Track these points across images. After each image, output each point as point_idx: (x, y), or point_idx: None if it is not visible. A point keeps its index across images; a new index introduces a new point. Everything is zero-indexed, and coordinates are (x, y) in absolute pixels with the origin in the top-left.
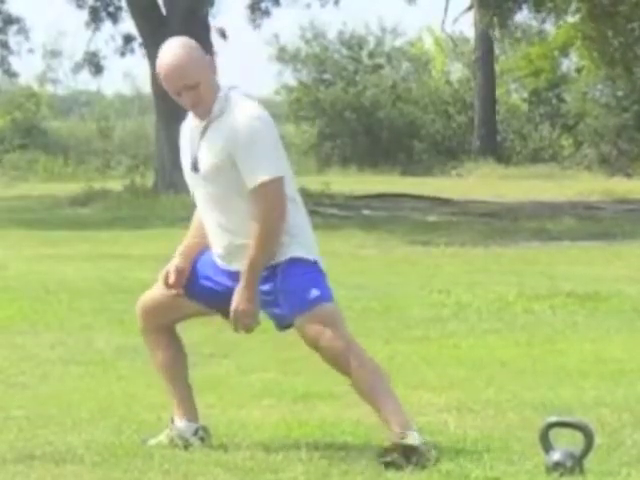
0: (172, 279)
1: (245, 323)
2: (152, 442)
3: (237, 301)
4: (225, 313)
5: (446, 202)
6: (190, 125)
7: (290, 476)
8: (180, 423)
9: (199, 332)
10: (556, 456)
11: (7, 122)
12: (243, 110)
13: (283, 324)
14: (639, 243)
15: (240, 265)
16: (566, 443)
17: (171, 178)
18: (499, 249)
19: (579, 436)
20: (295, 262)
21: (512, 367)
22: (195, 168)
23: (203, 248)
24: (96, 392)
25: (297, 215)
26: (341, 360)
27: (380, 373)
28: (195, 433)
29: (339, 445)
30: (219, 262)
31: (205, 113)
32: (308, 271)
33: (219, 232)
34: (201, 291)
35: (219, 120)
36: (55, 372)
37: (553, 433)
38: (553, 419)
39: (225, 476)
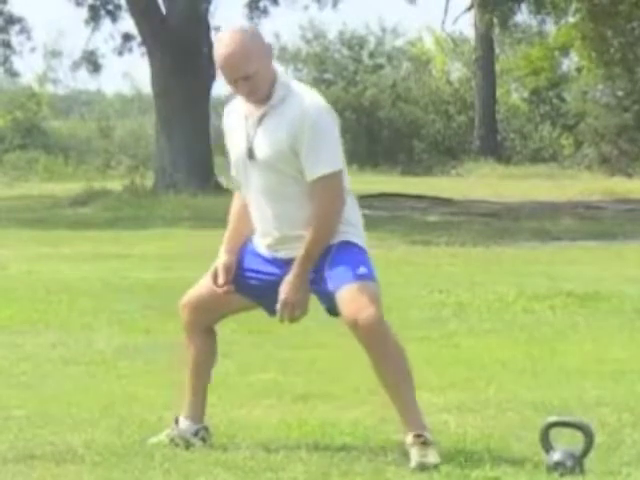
0: (222, 278)
1: (293, 313)
2: (153, 440)
3: (287, 291)
4: (271, 304)
5: (446, 202)
6: (241, 111)
7: (290, 476)
8: (183, 423)
9: None
10: (556, 456)
11: (7, 122)
12: (308, 99)
13: (328, 305)
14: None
15: (288, 253)
16: (566, 443)
17: (171, 178)
18: (499, 249)
19: (579, 436)
20: (349, 244)
21: (512, 367)
22: (251, 155)
23: (246, 240)
24: (96, 392)
25: (354, 207)
26: (376, 337)
27: (408, 366)
28: (196, 434)
29: (339, 445)
30: (265, 251)
31: (262, 100)
32: (360, 253)
33: (272, 221)
34: (250, 284)
35: (280, 107)
36: (55, 372)
37: (553, 433)
38: (553, 419)
39: (225, 476)
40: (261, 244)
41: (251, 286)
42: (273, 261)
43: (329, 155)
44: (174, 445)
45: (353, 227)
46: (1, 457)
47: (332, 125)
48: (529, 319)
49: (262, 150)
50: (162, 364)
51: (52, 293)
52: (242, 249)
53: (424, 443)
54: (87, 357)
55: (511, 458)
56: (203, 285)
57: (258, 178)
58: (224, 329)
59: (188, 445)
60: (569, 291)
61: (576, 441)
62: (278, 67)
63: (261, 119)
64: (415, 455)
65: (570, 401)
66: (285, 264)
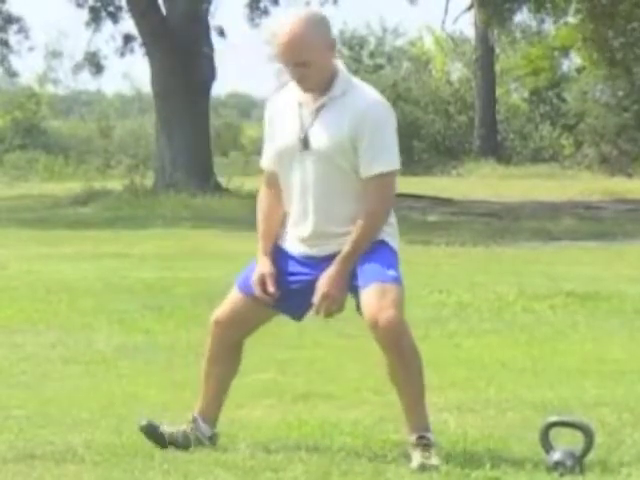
0: (272, 286)
1: (331, 307)
2: (166, 429)
3: (328, 286)
4: (299, 306)
5: (446, 202)
6: (293, 99)
7: (290, 476)
8: (203, 426)
9: (198, 332)
10: (556, 456)
11: (7, 122)
12: (371, 95)
13: (357, 300)
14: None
15: (322, 250)
16: (566, 443)
17: (171, 178)
18: (499, 249)
19: (579, 436)
20: (385, 245)
21: (512, 367)
22: (306, 144)
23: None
24: (96, 391)
25: (393, 210)
26: (395, 338)
27: (422, 369)
28: (211, 438)
29: (339, 445)
30: (298, 248)
31: (320, 91)
32: (392, 256)
33: (313, 215)
34: (287, 288)
35: (341, 100)
36: (55, 371)
37: (553, 433)
38: (553, 419)
39: (225, 476)
40: (294, 238)
41: (288, 290)
42: (305, 260)
43: (388, 153)
44: (184, 441)
45: (391, 227)
46: (1, 457)
47: (393, 124)
48: (529, 319)
49: (319, 140)
50: (162, 364)
51: (52, 293)
52: (274, 251)
53: (427, 445)
54: (87, 357)
55: (511, 458)
56: (236, 298)
57: (308, 169)
58: None
59: (187, 446)
60: (569, 291)
61: (576, 441)
62: (340, 63)
63: (319, 109)
64: (417, 456)
65: (570, 401)
66: (318, 262)
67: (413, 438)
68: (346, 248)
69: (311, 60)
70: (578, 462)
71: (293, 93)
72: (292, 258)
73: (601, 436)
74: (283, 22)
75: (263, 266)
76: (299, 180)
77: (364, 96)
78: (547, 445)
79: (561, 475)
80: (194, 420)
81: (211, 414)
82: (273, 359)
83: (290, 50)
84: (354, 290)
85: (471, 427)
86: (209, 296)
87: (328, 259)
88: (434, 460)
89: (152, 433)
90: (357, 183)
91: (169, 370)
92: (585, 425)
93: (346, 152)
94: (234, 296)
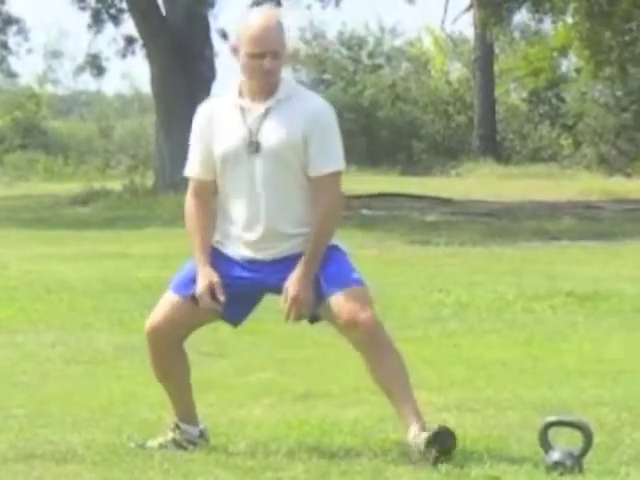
0: (221, 295)
1: (301, 311)
2: (153, 444)
3: (297, 289)
4: (236, 312)
5: (446, 202)
6: (231, 106)
7: (290, 475)
8: (186, 428)
9: (197, 332)
10: (556, 455)
11: (7, 122)
12: (318, 98)
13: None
14: (639, 243)
15: (270, 254)
16: (565, 442)
17: (171, 178)
18: (499, 249)
19: (578, 435)
20: (336, 248)
21: (512, 366)
22: (256, 147)
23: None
24: (96, 391)
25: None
26: (377, 336)
27: (405, 364)
28: (201, 435)
29: (339, 444)
30: (243, 252)
31: (268, 92)
32: (347, 259)
33: (262, 218)
34: (231, 294)
35: (288, 102)
36: (56, 371)
37: (552, 432)
38: (552, 418)
39: (225, 475)
40: (239, 243)
41: (230, 295)
42: (248, 265)
43: (338, 154)
44: (177, 447)
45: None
46: (1, 456)
47: (337, 126)
48: (529, 319)
49: (271, 140)
50: None
51: (52, 292)
52: (213, 258)
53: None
54: (87, 356)
55: (510, 457)
56: (172, 303)
57: (258, 172)
58: (222, 329)
59: (187, 445)
60: (568, 291)
61: (575, 441)
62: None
63: (267, 112)
64: (425, 433)
65: (569, 400)
66: (262, 266)
67: (417, 428)
68: (308, 249)
69: (281, 53)
70: (577, 462)
71: (228, 100)
72: (234, 263)
73: (600, 436)
74: (255, 15)
75: (209, 275)
76: (247, 184)
77: (312, 99)
78: (546, 445)
79: (560, 474)
80: (177, 427)
81: (188, 414)
82: (272, 359)
83: (269, 35)
84: (319, 298)
85: (470, 426)
86: None
87: (273, 263)
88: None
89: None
90: (305, 183)
91: None
92: (584, 425)
93: (298, 151)
94: (169, 301)
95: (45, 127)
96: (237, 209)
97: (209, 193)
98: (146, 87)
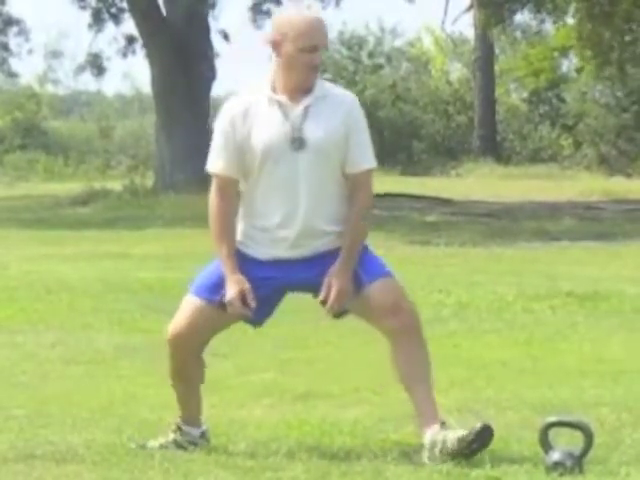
0: (253, 301)
1: (344, 303)
2: (154, 444)
3: (341, 281)
4: (260, 312)
5: (446, 202)
6: (266, 101)
7: (290, 475)
8: (188, 429)
9: None
10: (556, 456)
11: (8, 122)
12: (349, 93)
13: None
14: (639, 243)
15: (305, 251)
16: (566, 443)
17: (171, 178)
18: (499, 249)
19: (579, 435)
20: (364, 246)
21: (512, 367)
22: (300, 144)
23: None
24: (96, 391)
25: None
26: (416, 326)
27: (431, 362)
28: (202, 436)
29: (339, 444)
30: (266, 252)
31: (307, 88)
32: (375, 254)
33: (300, 215)
34: (258, 296)
35: (326, 99)
36: (55, 371)
37: (553, 433)
38: (553, 419)
39: (225, 475)
40: (269, 241)
41: (257, 297)
42: (276, 265)
43: (371, 151)
44: (177, 447)
45: None
46: (1, 456)
47: None
48: (529, 319)
49: (316, 138)
50: (161, 364)
51: (52, 293)
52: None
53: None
54: (87, 357)
55: (511, 458)
56: (195, 308)
57: (301, 168)
58: (225, 330)
59: (188, 446)
60: (568, 291)
61: (575, 441)
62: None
63: (307, 109)
64: (453, 432)
65: (569, 401)
66: (292, 264)
67: (437, 426)
68: (347, 244)
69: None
70: (577, 462)
71: (263, 95)
72: (258, 263)
73: (600, 436)
74: (303, 9)
75: (240, 282)
76: (288, 181)
77: (346, 95)
78: (546, 445)
79: (560, 475)
80: (178, 428)
81: (193, 417)
82: (273, 359)
83: (322, 29)
84: (356, 289)
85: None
86: None
87: (304, 261)
88: (466, 431)
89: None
90: (341, 180)
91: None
92: (584, 425)
93: (340, 148)
94: (193, 306)
95: (45, 127)
96: (272, 207)
97: (234, 192)
98: (147, 87)
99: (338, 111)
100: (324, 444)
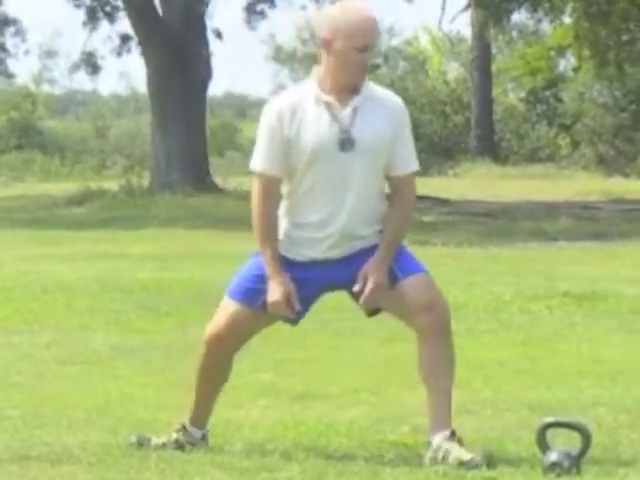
0: (298, 304)
1: (379, 297)
2: (157, 441)
3: (377, 276)
4: (302, 312)
5: (443, 202)
6: (313, 100)
7: (286, 476)
8: (193, 431)
9: (195, 333)
10: (553, 456)
11: (3, 122)
12: (396, 96)
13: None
14: (636, 243)
15: (342, 251)
16: (563, 443)
17: (167, 178)
18: (496, 249)
19: (576, 436)
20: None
21: (509, 367)
22: (351, 144)
23: None
24: (92, 392)
25: None
26: (448, 324)
27: (455, 365)
28: (203, 438)
29: (335, 445)
30: (304, 252)
31: (356, 88)
32: (410, 251)
33: (343, 215)
34: (301, 297)
35: (373, 100)
36: (51, 372)
37: (550, 433)
38: (550, 419)
39: (221, 476)
40: (308, 243)
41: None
42: (312, 265)
43: (415, 154)
44: (177, 447)
45: None
46: None
47: None
48: (526, 319)
49: (366, 139)
50: (158, 364)
51: (48, 293)
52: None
53: (460, 440)
54: (83, 357)
55: (508, 458)
56: (234, 311)
57: (348, 169)
58: None
59: (186, 446)
60: (566, 291)
61: (573, 441)
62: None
63: (356, 109)
64: (458, 451)
65: (567, 401)
66: (333, 264)
67: (447, 433)
68: (387, 240)
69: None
70: (575, 463)
71: (311, 94)
72: (297, 265)
73: (598, 437)
74: (354, 7)
75: (285, 284)
76: (335, 181)
77: (392, 96)
78: (544, 446)
79: (558, 476)
80: (183, 428)
81: (202, 419)
82: (270, 359)
83: (376, 28)
84: (390, 284)
85: (468, 428)
86: (205, 296)
87: (342, 260)
88: (467, 455)
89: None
90: (383, 182)
91: (165, 370)
92: (582, 426)
93: (388, 149)
94: (233, 309)
95: (41, 127)
96: (316, 206)
97: (278, 192)
98: (142, 87)
99: (386, 113)
100: (321, 445)
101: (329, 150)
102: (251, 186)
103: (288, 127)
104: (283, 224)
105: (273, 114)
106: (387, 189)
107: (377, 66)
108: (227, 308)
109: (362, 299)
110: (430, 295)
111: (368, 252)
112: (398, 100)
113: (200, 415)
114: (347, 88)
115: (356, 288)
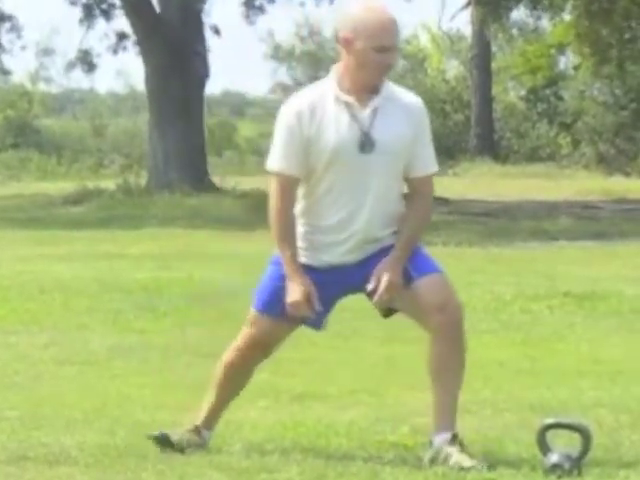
0: (318, 304)
1: (394, 295)
2: (175, 437)
3: (392, 274)
4: (319, 316)
5: (443, 201)
6: (333, 100)
7: (285, 477)
8: (205, 434)
9: (193, 333)
10: (554, 458)
11: (0, 120)
12: (415, 96)
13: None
14: (637, 243)
15: (359, 255)
16: (564, 444)
17: (165, 177)
18: (496, 249)
19: (577, 437)
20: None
21: (509, 367)
22: (371, 145)
23: None
24: (90, 392)
25: None
26: (461, 324)
27: (465, 367)
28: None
29: (334, 446)
30: (320, 258)
31: (376, 88)
32: (426, 252)
33: (364, 215)
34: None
35: (392, 101)
36: (49, 372)
37: (551, 434)
38: (550, 421)
39: (220, 477)
40: (325, 248)
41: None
42: (331, 269)
43: (434, 154)
44: (186, 446)
45: None
46: None
47: None
48: (526, 319)
49: (387, 140)
50: (156, 364)
51: (45, 293)
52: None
53: (462, 444)
54: (81, 357)
55: (508, 459)
56: (264, 324)
57: (368, 170)
58: (219, 329)
59: (187, 448)
60: (566, 291)
61: (574, 443)
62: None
63: (376, 110)
64: (459, 456)
65: (568, 402)
66: (350, 267)
67: (449, 436)
68: (404, 240)
69: None
70: (576, 464)
71: (330, 94)
72: (314, 270)
73: (599, 437)
74: (374, 6)
75: (306, 284)
76: (354, 182)
77: (412, 97)
78: (544, 447)
79: (559, 477)
80: (197, 431)
81: (214, 422)
82: (270, 360)
83: (396, 29)
84: (405, 283)
85: (468, 428)
86: (204, 296)
87: (359, 263)
88: (468, 462)
89: (165, 444)
90: (402, 183)
91: (163, 370)
92: (583, 427)
93: (408, 150)
94: (263, 322)
95: (38, 126)
96: (335, 207)
97: (295, 192)
98: (140, 85)
99: (406, 114)
100: (320, 445)
101: (349, 151)
102: (249, 185)
103: (308, 126)
104: (300, 228)
105: (292, 113)
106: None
107: None
108: (256, 323)
109: (375, 297)
110: (444, 295)
111: (382, 253)
112: (418, 100)
113: (211, 418)
114: (366, 88)
115: (370, 287)
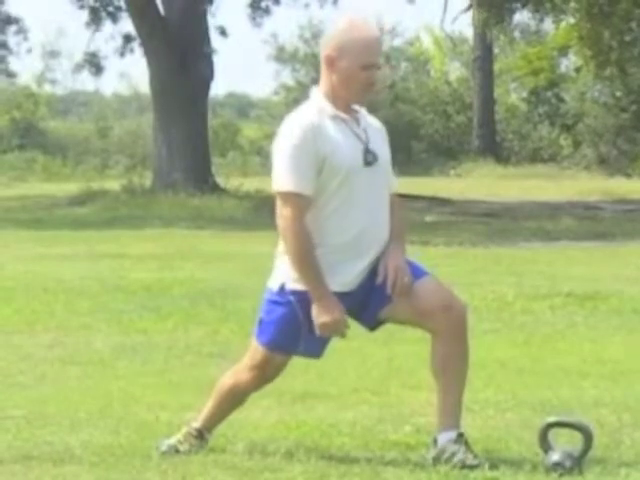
0: (347, 322)
1: (404, 282)
2: (171, 441)
3: (397, 260)
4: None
5: (445, 202)
6: (331, 117)
7: (288, 476)
8: (207, 436)
9: (197, 333)
10: (555, 456)
11: (5, 122)
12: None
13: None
14: (638, 243)
15: (370, 258)
16: (565, 443)
17: (169, 178)
18: (498, 249)
19: (578, 436)
20: None
21: (511, 367)
22: (373, 159)
23: None
24: (94, 392)
25: None
26: (465, 325)
27: (468, 365)
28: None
29: (337, 445)
30: (357, 266)
31: (358, 105)
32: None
33: (379, 231)
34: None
35: (365, 119)
36: (53, 372)
37: (552, 433)
38: (552, 419)
39: (223, 476)
40: (340, 264)
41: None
42: (339, 296)
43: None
44: (190, 448)
45: None
46: None
47: None
48: (528, 319)
49: (382, 153)
50: (160, 364)
51: (49, 293)
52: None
53: (467, 443)
54: (85, 357)
55: (510, 458)
56: (282, 362)
57: (372, 183)
58: (223, 329)
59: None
60: (568, 291)
61: (575, 441)
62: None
63: (366, 126)
64: (464, 455)
65: (569, 401)
66: (345, 296)
67: (454, 435)
68: (396, 231)
69: None
70: (577, 463)
71: (326, 112)
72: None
73: (600, 437)
74: (360, 23)
75: (338, 306)
76: (362, 196)
77: (376, 120)
78: (546, 446)
79: (560, 476)
80: (201, 435)
81: (215, 426)
82: None
83: (380, 47)
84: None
85: (470, 427)
86: (207, 296)
87: (356, 290)
88: (472, 460)
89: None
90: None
91: (167, 371)
92: (584, 426)
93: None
94: (274, 361)
95: (43, 127)
96: (348, 223)
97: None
98: (145, 87)
99: (379, 132)
100: (323, 445)
101: (358, 165)
102: (252, 185)
103: (322, 145)
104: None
105: (304, 133)
106: None
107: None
108: (266, 361)
109: (389, 286)
110: (446, 296)
111: (369, 279)
112: (381, 124)
113: (214, 422)
114: (352, 104)
115: (379, 280)
